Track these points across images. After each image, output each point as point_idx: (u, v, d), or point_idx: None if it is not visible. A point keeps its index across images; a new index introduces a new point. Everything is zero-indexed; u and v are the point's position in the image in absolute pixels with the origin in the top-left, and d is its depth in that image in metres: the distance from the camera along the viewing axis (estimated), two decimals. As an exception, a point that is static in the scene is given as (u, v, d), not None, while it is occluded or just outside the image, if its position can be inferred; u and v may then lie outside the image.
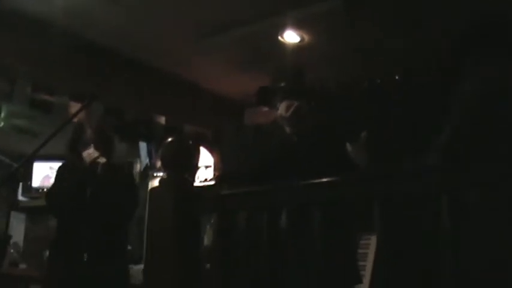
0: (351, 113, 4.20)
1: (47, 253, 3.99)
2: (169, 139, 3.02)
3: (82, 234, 3.37)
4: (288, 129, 2.83)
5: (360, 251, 4.10)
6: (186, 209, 2.33)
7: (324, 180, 2.00)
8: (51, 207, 3.62)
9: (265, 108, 3.14)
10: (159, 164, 6.01)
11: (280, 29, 4.57)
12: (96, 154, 3.53)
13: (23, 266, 6.31)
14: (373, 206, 1.89)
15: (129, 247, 6.33)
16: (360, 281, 2.90)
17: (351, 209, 2.71)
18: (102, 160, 3.52)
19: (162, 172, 5.32)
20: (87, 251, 3.33)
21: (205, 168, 6.07)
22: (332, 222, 2.11)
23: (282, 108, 2.84)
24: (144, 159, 6.41)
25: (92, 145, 3.59)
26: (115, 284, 3.49)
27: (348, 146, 2.87)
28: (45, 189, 5.51)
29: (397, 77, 4.54)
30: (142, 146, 6.40)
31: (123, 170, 3.91)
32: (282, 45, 4.75)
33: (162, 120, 5.57)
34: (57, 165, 4.17)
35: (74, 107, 4.62)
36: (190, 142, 3.48)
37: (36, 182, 6.41)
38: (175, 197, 2.37)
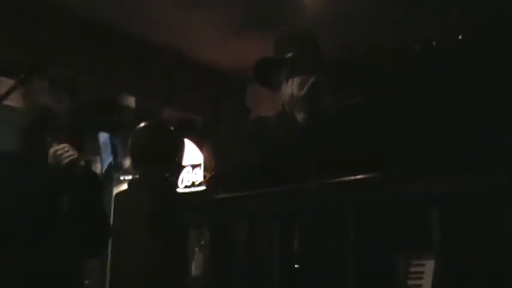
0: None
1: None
2: (142, 124, 3.00)
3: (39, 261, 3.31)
4: (300, 116, 2.79)
5: (410, 282, 4.12)
6: (168, 221, 2.33)
7: (354, 178, 2.00)
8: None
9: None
10: (127, 163, 6.02)
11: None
12: (73, 152, 3.27)
13: None
14: (429, 217, 1.89)
15: (86, 282, 6.38)
16: None
17: (397, 220, 2.71)
18: (82, 162, 3.34)
19: (132, 173, 5.36)
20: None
21: (193, 169, 6.10)
22: (365, 237, 2.11)
23: (293, 86, 2.79)
24: (107, 156, 6.42)
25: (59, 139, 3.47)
26: None
27: None
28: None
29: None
30: (104, 138, 6.42)
31: (101, 180, 3.81)
32: (291, 3, 4.79)
33: (132, 102, 5.58)
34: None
35: (6, 83, 4.63)
36: (171, 129, 3.40)
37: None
38: (152, 205, 2.36)
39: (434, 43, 4.66)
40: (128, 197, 2.59)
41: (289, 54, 2.85)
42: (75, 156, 3.25)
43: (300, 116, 2.74)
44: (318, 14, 4.79)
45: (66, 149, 3.23)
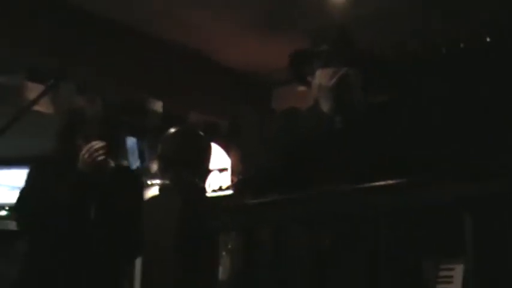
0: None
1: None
2: (172, 130, 3.03)
3: (73, 268, 3.25)
4: (328, 107, 2.80)
5: (440, 286, 4.10)
6: (197, 227, 2.37)
7: (385, 183, 2.01)
8: (29, 226, 3.34)
9: (301, 88, 3.12)
10: (154, 167, 6.03)
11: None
12: (104, 153, 3.16)
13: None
14: (459, 220, 1.90)
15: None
16: None
17: (425, 224, 2.72)
18: (111, 163, 3.24)
19: (160, 178, 5.37)
20: None
21: (220, 173, 6.10)
22: (393, 240, 2.14)
23: (323, 76, 2.81)
24: (134, 160, 6.43)
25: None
26: None
27: None
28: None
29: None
30: (131, 142, 6.43)
31: (137, 178, 3.58)
32: (317, 5, 4.81)
33: (159, 106, 5.60)
34: (4, 173, 4.08)
35: (33, 89, 4.66)
36: (201, 134, 3.41)
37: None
38: (182, 210, 2.40)
39: (461, 45, 4.65)
40: (159, 203, 2.63)
41: (324, 47, 2.86)
42: (104, 157, 3.16)
43: (326, 107, 2.76)
44: (344, 13, 4.79)
45: (94, 148, 3.15)
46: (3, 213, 6.02)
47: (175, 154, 2.88)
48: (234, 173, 6.00)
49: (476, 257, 1.85)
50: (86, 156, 3.13)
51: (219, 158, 6.00)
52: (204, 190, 3.33)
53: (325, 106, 2.74)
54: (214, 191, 5.98)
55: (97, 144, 3.13)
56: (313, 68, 2.84)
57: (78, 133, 3.27)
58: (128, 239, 3.19)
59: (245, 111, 5.93)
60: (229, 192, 5.89)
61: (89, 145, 3.14)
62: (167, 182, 2.95)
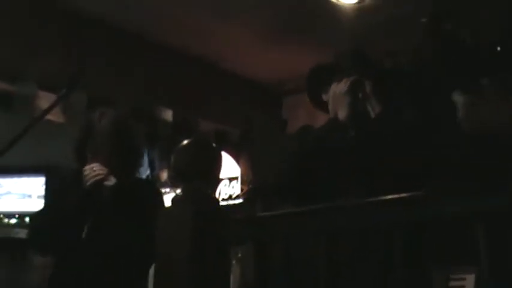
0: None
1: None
2: (185, 141, 3.05)
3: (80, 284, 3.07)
4: (344, 114, 2.80)
5: (450, 296, 4.09)
6: (211, 238, 2.38)
7: (398, 196, 2.02)
8: (38, 241, 3.35)
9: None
10: (164, 176, 6.05)
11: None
12: (102, 172, 3.11)
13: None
14: (471, 230, 1.91)
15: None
16: None
17: (435, 233, 2.72)
18: (111, 182, 3.13)
19: (170, 186, 5.37)
20: None
21: (229, 181, 6.10)
22: (405, 251, 2.14)
23: (337, 86, 2.81)
24: (144, 169, 6.44)
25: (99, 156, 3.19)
26: None
27: (458, 99, 2.81)
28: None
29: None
30: (140, 151, 6.46)
31: (143, 197, 3.32)
32: (335, 7, 4.80)
33: (169, 114, 5.61)
34: (14, 181, 4.07)
35: (44, 98, 4.68)
36: (214, 145, 3.42)
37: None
38: (196, 222, 2.41)
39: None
40: (171, 214, 2.63)
41: (342, 60, 2.87)
42: (101, 177, 3.11)
43: (342, 114, 2.76)
44: (356, 22, 4.80)
45: (94, 168, 3.12)
46: (13, 221, 6.03)
47: (189, 166, 2.89)
48: (244, 182, 5.98)
49: (489, 268, 1.86)
50: (85, 174, 3.11)
51: (229, 166, 6.00)
52: (217, 201, 3.34)
53: (341, 114, 2.75)
54: (224, 199, 5.98)
55: (97, 166, 3.12)
56: (329, 87, 2.85)
57: (87, 148, 3.25)
58: (132, 257, 3.09)
59: (255, 120, 5.93)
60: (239, 201, 5.89)
61: (90, 166, 3.13)
62: (179, 193, 2.96)
